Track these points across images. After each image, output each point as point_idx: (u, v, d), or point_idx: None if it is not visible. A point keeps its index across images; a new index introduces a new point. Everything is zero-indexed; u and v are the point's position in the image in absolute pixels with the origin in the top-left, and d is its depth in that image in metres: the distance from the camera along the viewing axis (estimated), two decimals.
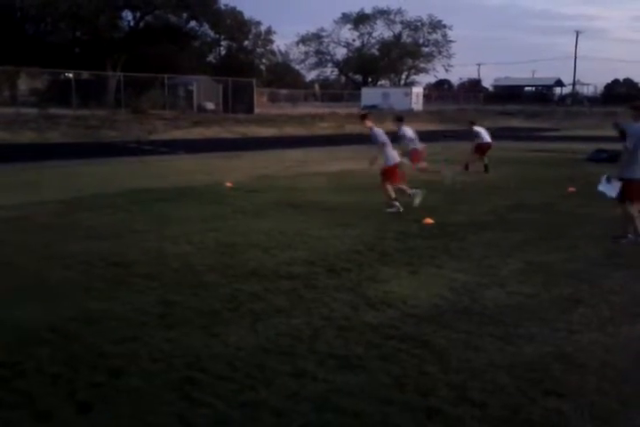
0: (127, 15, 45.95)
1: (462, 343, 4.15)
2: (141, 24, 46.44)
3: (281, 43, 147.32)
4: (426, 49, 78.35)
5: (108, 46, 42.67)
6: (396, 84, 74.54)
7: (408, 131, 12.01)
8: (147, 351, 3.93)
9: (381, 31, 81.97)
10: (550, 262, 6.32)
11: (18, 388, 3.43)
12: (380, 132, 9.35)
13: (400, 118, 12.29)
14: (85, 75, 36.90)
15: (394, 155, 9.41)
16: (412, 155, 11.88)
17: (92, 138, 24.09)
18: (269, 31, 67.18)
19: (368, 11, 76.36)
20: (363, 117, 9.93)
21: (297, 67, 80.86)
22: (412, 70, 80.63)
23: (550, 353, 4.01)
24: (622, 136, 19.06)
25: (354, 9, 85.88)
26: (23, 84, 37.05)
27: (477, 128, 15.10)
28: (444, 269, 6.05)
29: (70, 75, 34.47)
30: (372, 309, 4.83)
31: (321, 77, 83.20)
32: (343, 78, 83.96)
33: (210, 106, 37.39)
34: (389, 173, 9.32)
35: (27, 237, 7.23)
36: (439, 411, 3.24)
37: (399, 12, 76.63)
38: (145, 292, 5.18)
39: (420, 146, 12.17)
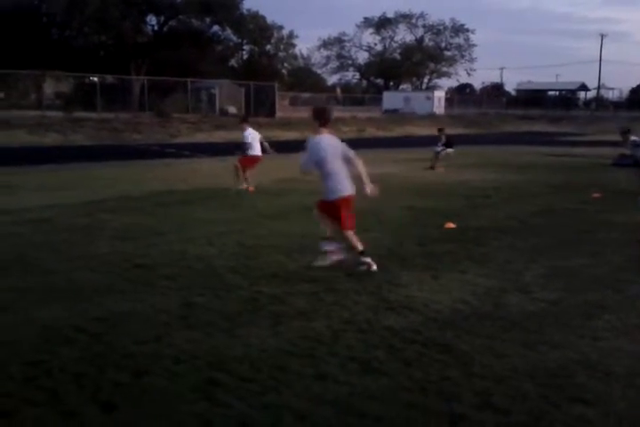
0: (151, 20, 46.73)
1: (485, 349, 4.12)
2: (165, 28, 47.07)
3: (303, 47, 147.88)
4: (448, 53, 78.33)
5: (133, 50, 43.26)
6: (417, 88, 74.36)
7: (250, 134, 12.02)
8: (170, 352, 3.97)
9: (403, 35, 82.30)
10: (574, 268, 6.25)
11: (44, 386, 3.48)
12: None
13: (243, 118, 13.02)
14: (110, 78, 37.46)
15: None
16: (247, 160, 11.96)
17: (116, 141, 24.40)
18: (291, 35, 67.61)
19: (390, 15, 76.47)
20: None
21: (318, 71, 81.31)
22: (434, 74, 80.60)
23: (574, 360, 3.96)
24: (447, 142, 18.54)
25: (376, 13, 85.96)
26: (49, 88, 37.64)
27: (636, 139, 12.00)
28: (466, 273, 6.01)
29: (95, 78, 35.02)
30: (394, 313, 4.82)
31: (342, 81, 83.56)
32: (365, 82, 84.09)
33: (232, 109, 37.66)
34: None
35: (52, 238, 7.33)
36: (463, 417, 3.22)
37: (421, 15, 76.75)
38: (168, 293, 5.22)
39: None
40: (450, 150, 17.00)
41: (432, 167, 16.28)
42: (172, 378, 3.60)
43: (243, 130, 11.96)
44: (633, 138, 12.13)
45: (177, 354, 3.93)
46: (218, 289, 5.35)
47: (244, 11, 51.03)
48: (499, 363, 3.90)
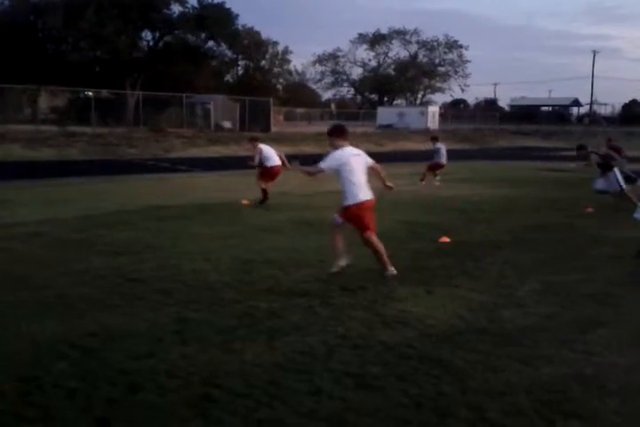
0: (147, 35, 46.93)
1: (480, 364, 4.11)
2: (160, 44, 47.26)
3: (298, 62, 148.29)
4: (442, 69, 78.84)
5: (128, 65, 43.43)
6: (411, 104, 74.78)
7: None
8: (163, 367, 3.94)
9: (397, 51, 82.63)
10: (568, 283, 6.26)
11: (37, 402, 3.45)
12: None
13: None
14: (105, 93, 37.55)
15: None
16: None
17: (110, 155, 24.40)
18: (286, 51, 68.23)
19: (384, 31, 77.07)
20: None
21: (313, 86, 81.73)
22: (428, 90, 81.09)
23: (569, 375, 3.96)
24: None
25: (370, 29, 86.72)
26: (44, 102, 37.71)
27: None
28: (460, 288, 6.01)
29: (90, 93, 35.11)
30: (388, 327, 4.81)
31: (337, 97, 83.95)
32: (359, 97, 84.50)
33: (227, 124, 37.76)
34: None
35: (46, 252, 7.31)
36: None
37: (415, 32, 77.29)
38: (162, 308, 5.21)
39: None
40: None
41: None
42: (166, 394, 3.58)
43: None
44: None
45: (171, 369, 3.91)
46: (212, 304, 5.34)
47: (239, 26, 51.41)
48: (493, 378, 3.89)
